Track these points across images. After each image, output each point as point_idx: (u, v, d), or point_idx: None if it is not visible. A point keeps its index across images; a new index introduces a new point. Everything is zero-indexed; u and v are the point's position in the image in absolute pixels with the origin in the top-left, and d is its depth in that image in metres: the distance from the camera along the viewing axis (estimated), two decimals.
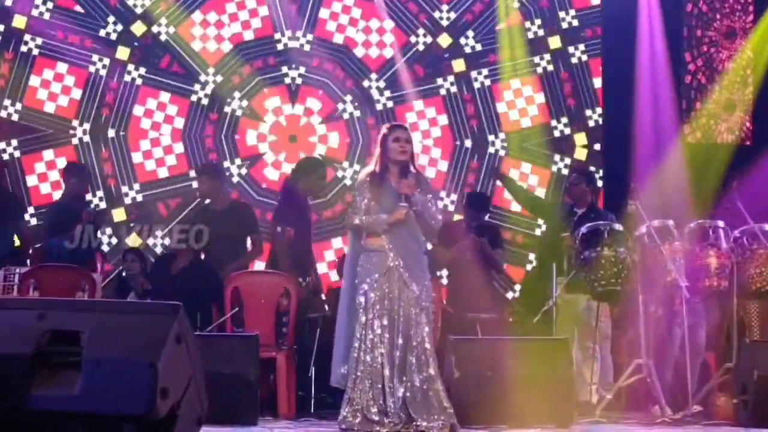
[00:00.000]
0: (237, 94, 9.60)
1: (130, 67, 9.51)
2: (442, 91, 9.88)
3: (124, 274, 8.56)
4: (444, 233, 8.43)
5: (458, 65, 9.91)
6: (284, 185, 8.43)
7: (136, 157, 9.49)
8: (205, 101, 9.58)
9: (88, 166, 9.13)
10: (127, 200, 9.44)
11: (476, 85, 9.90)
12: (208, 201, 8.37)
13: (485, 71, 9.90)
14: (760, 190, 8.11)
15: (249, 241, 8.29)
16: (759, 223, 7.39)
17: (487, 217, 8.76)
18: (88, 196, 9.00)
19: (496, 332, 7.76)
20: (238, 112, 9.59)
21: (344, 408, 5.94)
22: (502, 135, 9.85)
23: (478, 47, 9.92)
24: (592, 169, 9.59)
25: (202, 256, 8.17)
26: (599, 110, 9.91)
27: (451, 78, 9.89)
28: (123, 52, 9.51)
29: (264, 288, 7.49)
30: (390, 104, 9.81)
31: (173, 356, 3.55)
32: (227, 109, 9.58)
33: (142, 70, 9.53)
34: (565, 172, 9.72)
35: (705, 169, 9.36)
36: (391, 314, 5.98)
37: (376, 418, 5.84)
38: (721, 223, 7.42)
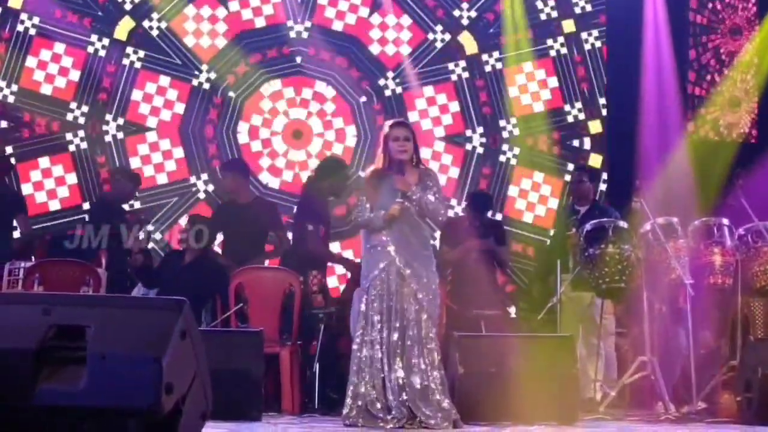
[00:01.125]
0: None
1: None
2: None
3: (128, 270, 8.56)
4: (449, 233, 8.45)
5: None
6: (306, 184, 8.44)
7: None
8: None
9: (139, 175, 9.03)
10: None
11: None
12: (231, 197, 8.42)
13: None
14: (764, 188, 8.09)
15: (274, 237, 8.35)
16: (763, 221, 7.38)
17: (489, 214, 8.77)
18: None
19: (500, 329, 7.76)
20: None
21: (348, 403, 5.95)
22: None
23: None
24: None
25: (219, 251, 8.25)
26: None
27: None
28: None
29: (268, 284, 7.48)
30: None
31: (178, 351, 3.56)
32: None
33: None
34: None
35: (710, 166, 9.35)
36: (389, 310, 5.99)
37: (380, 414, 5.85)
38: (725, 221, 7.42)
